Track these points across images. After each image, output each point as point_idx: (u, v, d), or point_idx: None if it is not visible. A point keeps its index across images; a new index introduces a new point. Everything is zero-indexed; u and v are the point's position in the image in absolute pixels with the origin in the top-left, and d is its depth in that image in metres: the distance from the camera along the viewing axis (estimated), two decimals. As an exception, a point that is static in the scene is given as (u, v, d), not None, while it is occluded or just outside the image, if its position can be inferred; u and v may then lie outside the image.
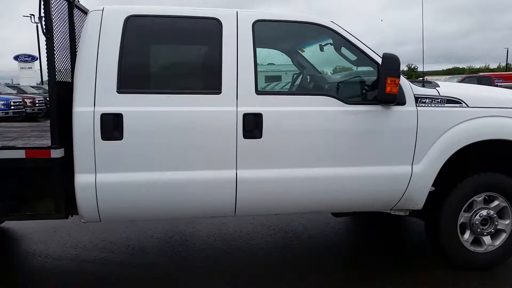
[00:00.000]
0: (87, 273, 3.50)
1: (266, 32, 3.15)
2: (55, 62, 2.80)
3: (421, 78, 3.51)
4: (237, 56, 2.95)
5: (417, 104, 3.13)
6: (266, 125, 2.93)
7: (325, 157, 3.05)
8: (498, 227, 3.38)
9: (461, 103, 3.18)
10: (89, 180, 2.82)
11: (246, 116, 2.91)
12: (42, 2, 2.75)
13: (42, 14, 2.77)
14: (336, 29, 3.13)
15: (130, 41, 2.88)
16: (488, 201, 3.37)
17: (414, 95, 3.14)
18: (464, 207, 3.30)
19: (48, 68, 2.74)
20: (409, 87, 3.14)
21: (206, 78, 3.02)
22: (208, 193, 2.96)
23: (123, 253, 3.88)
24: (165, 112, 2.84)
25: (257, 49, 3.02)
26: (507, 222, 3.39)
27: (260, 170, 2.98)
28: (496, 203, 3.36)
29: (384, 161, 3.12)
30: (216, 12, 3.01)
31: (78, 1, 3.36)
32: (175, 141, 2.86)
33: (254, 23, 3.02)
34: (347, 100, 3.06)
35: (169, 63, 3.08)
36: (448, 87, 3.37)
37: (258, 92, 2.95)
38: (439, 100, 3.16)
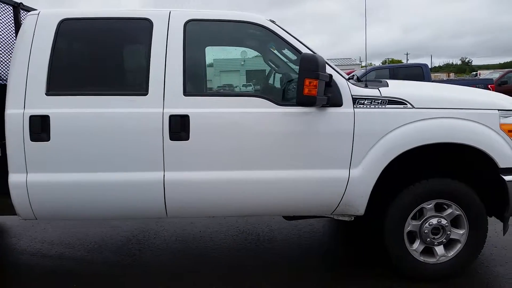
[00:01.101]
0: (40, 267, 3.65)
1: (200, 32, 3.11)
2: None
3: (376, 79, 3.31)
4: (166, 56, 2.93)
5: (355, 106, 2.97)
6: (193, 126, 2.90)
7: (257, 160, 2.97)
8: (451, 237, 3.15)
9: (405, 104, 2.99)
10: (21, 180, 2.91)
11: (172, 117, 2.89)
12: None
13: None
14: (273, 28, 3.03)
15: (62, 44, 2.95)
16: (441, 208, 3.15)
17: (352, 96, 2.98)
18: (412, 214, 3.11)
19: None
20: (346, 88, 3.00)
21: (134, 79, 3.04)
22: (136, 194, 2.97)
23: (82, 250, 4.00)
24: (91, 114, 2.89)
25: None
26: (461, 231, 3.15)
27: (188, 172, 2.95)
28: (449, 211, 3.13)
29: (319, 165, 2.99)
30: (148, 13, 3.02)
31: (23, 4, 3.46)
32: (101, 143, 2.90)
33: (186, 23, 3.00)
34: (280, 102, 2.97)
35: (99, 65, 3.10)
36: (395, 87, 3.18)
37: (187, 93, 2.93)
38: (379, 101, 2.98)
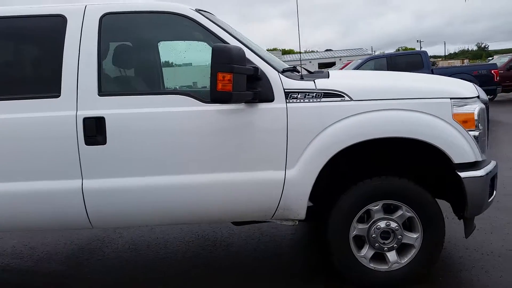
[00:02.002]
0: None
1: (119, 26, 2.89)
2: None
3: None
4: (79, 54, 2.72)
5: (288, 100, 2.70)
6: (110, 129, 2.68)
7: (181, 164, 2.73)
8: (403, 241, 2.85)
9: (343, 97, 2.70)
10: None
11: (86, 120, 2.67)
12: None
13: None
14: (197, 18, 2.78)
15: None
16: (391, 210, 2.86)
17: (284, 89, 2.71)
18: (357, 217, 2.82)
19: None
20: (278, 81, 2.72)
21: (46, 81, 2.81)
22: (54, 205, 2.76)
23: (30, 260, 3.83)
24: (1, 120, 2.69)
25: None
26: (415, 235, 2.84)
27: (108, 179, 2.73)
28: (399, 212, 2.83)
29: (252, 166, 2.73)
30: (62, 8, 2.81)
31: None
32: (11, 151, 2.70)
33: (102, 17, 2.77)
34: (206, 99, 2.71)
35: (8, 67, 2.91)
36: (334, 78, 2.88)
37: (101, 93, 2.70)
38: (313, 95, 2.70)
